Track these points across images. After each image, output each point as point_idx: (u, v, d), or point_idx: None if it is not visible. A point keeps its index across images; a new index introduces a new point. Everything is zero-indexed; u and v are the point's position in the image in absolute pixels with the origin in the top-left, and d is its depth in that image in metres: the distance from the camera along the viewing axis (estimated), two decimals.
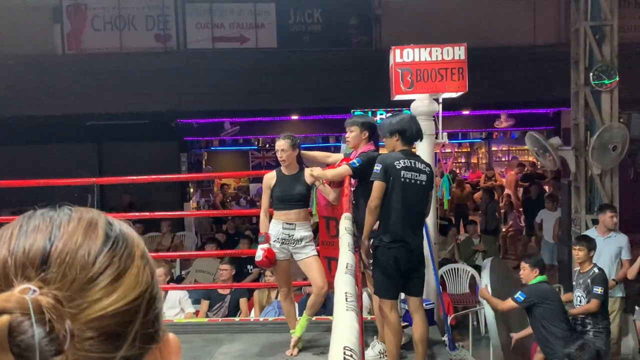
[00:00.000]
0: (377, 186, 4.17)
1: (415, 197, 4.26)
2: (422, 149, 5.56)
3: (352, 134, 4.66)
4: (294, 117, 14.86)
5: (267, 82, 12.25)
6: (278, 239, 4.63)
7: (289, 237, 4.61)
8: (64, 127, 12.66)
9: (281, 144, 4.65)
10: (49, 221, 0.63)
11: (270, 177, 4.74)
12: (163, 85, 12.20)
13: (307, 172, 4.69)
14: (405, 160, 4.24)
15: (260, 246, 4.62)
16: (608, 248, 6.96)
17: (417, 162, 4.32)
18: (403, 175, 4.19)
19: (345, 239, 2.76)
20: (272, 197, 4.71)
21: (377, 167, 4.20)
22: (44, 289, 0.56)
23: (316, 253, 4.72)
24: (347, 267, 1.98)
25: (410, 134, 4.37)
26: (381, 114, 13.42)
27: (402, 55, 5.41)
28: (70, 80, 11.89)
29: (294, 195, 4.62)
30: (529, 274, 5.87)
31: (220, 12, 12.96)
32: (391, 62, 5.57)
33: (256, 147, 17.43)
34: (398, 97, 5.59)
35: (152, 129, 13.30)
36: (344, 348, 1.23)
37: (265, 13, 12.95)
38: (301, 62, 12.33)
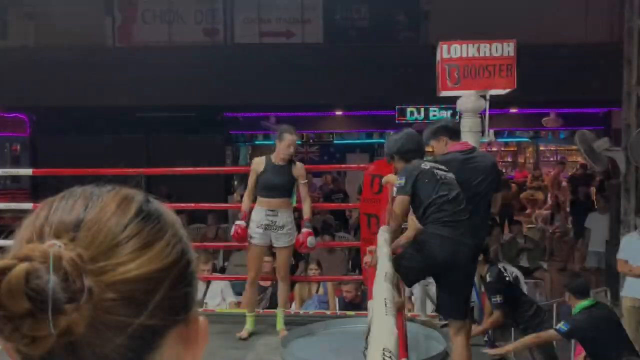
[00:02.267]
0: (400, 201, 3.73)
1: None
2: None
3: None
4: (338, 113, 14.87)
5: (312, 77, 12.28)
6: (261, 224, 4.81)
7: (272, 222, 4.79)
8: (113, 118, 12.95)
9: (294, 138, 4.86)
10: (89, 194, 0.67)
11: (258, 163, 4.92)
12: (210, 79, 12.35)
13: (300, 165, 4.91)
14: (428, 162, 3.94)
15: (236, 222, 4.89)
16: None
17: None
18: (437, 173, 3.79)
19: (384, 250, 2.77)
20: (257, 182, 4.86)
21: (401, 180, 3.76)
22: (69, 246, 0.60)
23: (292, 244, 4.88)
24: (385, 275, 2.01)
25: (407, 149, 4.00)
26: (434, 111, 13.29)
27: (450, 51, 5.34)
28: (120, 73, 12.14)
29: (279, 185, 4.80)
30: (573, 302, 5.31)
31: (267, 6, 13.06)
32: (438, 57, 5.51)
33: (300, 142, 17.49)
34: (444, 94, 5.53)
35: (199, 121, 13.50)
36: (384, 350, 1.26)
37: (311, 8, 12.99)
38: (347, 58, 12.32)
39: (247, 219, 4.88)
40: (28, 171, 6.57)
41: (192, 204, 5.92)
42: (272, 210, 4.79)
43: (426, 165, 3.85)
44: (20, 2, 12.92)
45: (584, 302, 5.03)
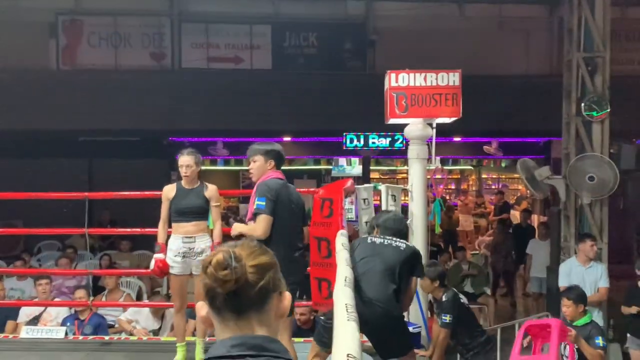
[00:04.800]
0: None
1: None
2: (415, 173, 5.58)
3: (255, 164, 4.48)
4: (287, 139, 14.86)
5: (261, 103, 12.28)
6: (179, 253, 4.75)
7: (190, 250, 4.74)
8: (56, 142, 12.63)
9: (186, 159, 4.81)
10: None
11: (169, 190, 4.88)
12: (156, 103, 12.20)
13: (212, 187, 4.88)
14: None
15: (155, 255, 4.80)
16: (589, 277, 6.95)
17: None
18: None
19: (342, 255, 2.76)
20: (171, 209, 4.82)
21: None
22: (236, 249, 1.43)
23: None
24: (345, 280, 1.99)
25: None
26: (373, 138, 13.54)
27: (398, 80, 5.45)
28: (64, 96, 11.87)
29: (193, 208, 4.76)
30: (574, 312, 5.51)
31: (216, 32, 13.04)
32: (386, 85, 5.61)
33: (247, 168, 17.36)
34: (392, 121, 5.62)
35: (144, 146, 13.28)
36: (348, 356, 1.25)
37: (261, 35, 13.03)
38: (295, 84, 12.38)
39: (166, 250, 4.80)
40: None
41: (138, 229, 5.79)
42: (188, 237, 4.74)
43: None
44: None
45: (589, 314, 5.36)
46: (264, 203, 4.10)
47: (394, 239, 4.20)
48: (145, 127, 12.43)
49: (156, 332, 6.64)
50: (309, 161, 15.43)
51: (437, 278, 5.50)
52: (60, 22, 12.67)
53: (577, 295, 5.59)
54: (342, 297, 1.78)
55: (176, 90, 12.32)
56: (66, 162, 12.78)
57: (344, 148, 13.71)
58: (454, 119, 5.64)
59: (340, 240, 3.31)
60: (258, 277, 1.38)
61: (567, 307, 5.54)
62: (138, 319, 6.65)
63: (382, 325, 3.89)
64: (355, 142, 13.50)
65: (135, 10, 12.70)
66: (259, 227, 4.08)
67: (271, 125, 12.82)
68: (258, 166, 4.43)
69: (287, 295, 1.45)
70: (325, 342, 3.90)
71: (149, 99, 12.06)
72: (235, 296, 1.37)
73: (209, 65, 13.01)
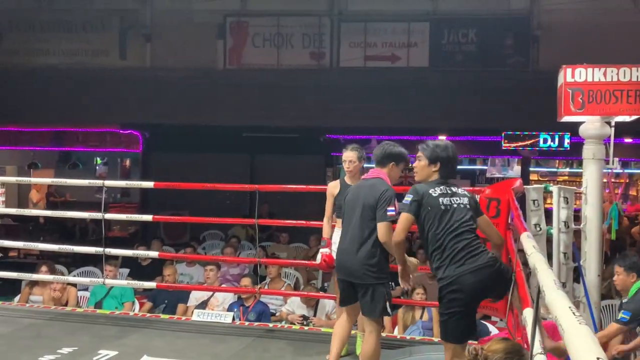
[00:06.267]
0: (403, 219, 3.80)
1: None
2: (590, 174, 5.25)
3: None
4: (442, 137, 14.65)
5: (416, 101, 12.21)
6: None
7: None
8: (220, 137, 13.36)
9: (349, 155, 4.88)
10: None
11: (334, 186, 4.97)
12: (314, 101, 12.55)
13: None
14: (442, 187, 3.85)
15: (321, 250, 4.85)
16: None
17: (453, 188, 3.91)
18: (442, 202, 3.76)
19: (538, 257, 2.64)
20: (335, 205, 4.88)
21: (407, 198, 3.81)
22: None
23: None
24: (555, 283, 1.90)
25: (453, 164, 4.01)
26: (535, 138, 12.93)
27: (574, 75, 5.14)
28: (230, 94, 12.53)
29: None
30: (624, 280, 5.14)
31: (373, 31, 13.14)
32: (560, 81, 5.32)
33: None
34: (566, 119, 5.32)
35: (302, 142, 13.70)
36: (597, 359, 1.20)
37: (418, 32, 12.94)
38: (452, 82, 12.18)
39: (331, 245, 4.84)
40: (149, 184, 6.82)
41: (302, 222, 5.97)
42: None
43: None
44: (139, 25, 13.64)
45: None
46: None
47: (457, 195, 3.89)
48: (303, 124, 12.82)
49: (307, 322, 6.80)
50: (465, 160, 15.11)
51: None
52: (227, 23, 13.38)
53: (631, 264, 5.13)
54: (562, 300, 1.69)
55: (334, 88, 12.58)
56: (230, 156, 13.51)
57: (503, 148, 13.24)
58: (634, 117, 5.25)
59: (530, 243, 3.17)
60: None
61: (617, 274, 5.18)
62: (293, 309, 6.88)
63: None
64: (514, 141, 12.97)
65: (297, 10, 13.12)
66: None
67: (426, 123, 12.70)
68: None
69: None
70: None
71: (307, 97, 12.44)
72: None
73: (366, 64, 13.14)
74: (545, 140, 12.78)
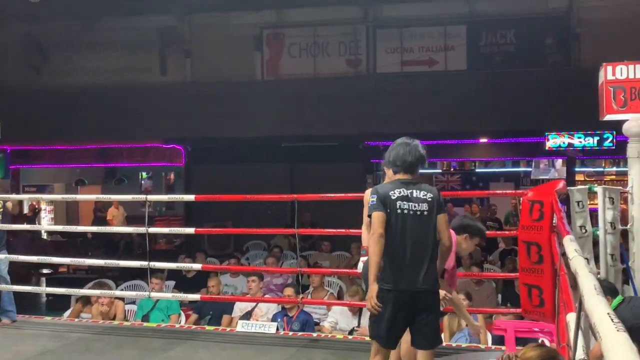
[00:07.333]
0: (377, 216, 3.64)
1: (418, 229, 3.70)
2: (636, 173, 5.11)
3: None
4: (483, 140, 14.49)
5: (455, 105, 12.09)
6: None
7: None
8: (261, 148, 13.47)
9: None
10: None
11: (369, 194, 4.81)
12: (352, 109, 12.53)
13: None
14: (402, 190, 3.72)
15: (362, 258, 4.67)
16: None
17: (416, 191, 3.76)
18: (399, 206, 3.66)
19: (580, 261, 2.58)
20: None
21: (373, 199, 3.70)
22: None
23: None
24: (595, 288, 1.86)
25: (401, 162, 3.80)
26: (579, 137, 12.66)
27: (615, 72, 5.02)
28: (268, 105, 12.63)
29: None
30: None
31: (409, 36, 13.10)
32: (601, 79, 5.20)
33: (440, 171, 17.19)
34: (609, 117, 5.20)
35: (341, 150, 13.70)
36: None
37: (455, 35, 12.85)
38: (491, 83, 12.03)
39: None
40: (191, 197, 6.93)
41: (341, 230, 5.96)
42: None
43: None
44: (178, 41, 13.88)
45: (617, 299, 4.43)
46: None
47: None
48: (342, 132, 12.82)
49: (351, 332, 6.77)
50: (508, 163, 14.88)
51: None
52: (264, 35, 13.51)
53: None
54: (601, 306, 1.65)
55: (371, 95, 12.55)
56: (270, 166, 13.60)
57: (546, 148, 13.00)
58: None
59: (573, 246, 3.09)
60: None
61: None
62: (338, 319, 6.84)
63: None
64: (558, 141, 12.71)
65: (332, 20, 13.17)
66: None
67: (466, 127, 12.57)
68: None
69: None
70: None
71: (345, 104, 12.43)
72: None
73: (403, 69, 13.11)
74: (589, 140, 12.51)
